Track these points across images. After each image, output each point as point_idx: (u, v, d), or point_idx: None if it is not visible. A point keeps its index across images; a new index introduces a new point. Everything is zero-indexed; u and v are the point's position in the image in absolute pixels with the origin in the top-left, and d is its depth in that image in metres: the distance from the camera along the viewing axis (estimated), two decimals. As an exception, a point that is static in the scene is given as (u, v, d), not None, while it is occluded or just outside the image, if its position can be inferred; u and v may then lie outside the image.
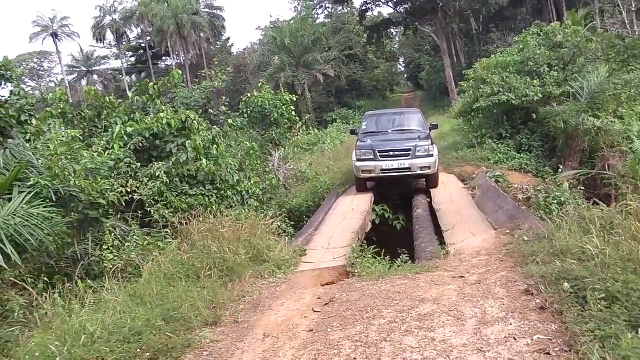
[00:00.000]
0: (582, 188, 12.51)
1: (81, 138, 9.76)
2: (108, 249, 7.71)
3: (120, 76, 69.26)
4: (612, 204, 7.53)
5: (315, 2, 52.88)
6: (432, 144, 13.28)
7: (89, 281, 6.87)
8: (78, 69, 69.20)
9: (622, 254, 5.08)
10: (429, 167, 12.90)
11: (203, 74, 32.35)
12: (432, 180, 13.46)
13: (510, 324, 4.71)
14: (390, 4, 47.64)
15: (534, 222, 8.23)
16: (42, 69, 73.71)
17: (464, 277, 6.31)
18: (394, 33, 65.33)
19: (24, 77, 54.42)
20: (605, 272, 4.85)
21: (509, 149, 16.19)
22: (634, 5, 32.83)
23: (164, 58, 69.82)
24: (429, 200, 12.44)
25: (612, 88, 14.39)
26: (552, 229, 6.79)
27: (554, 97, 15.91)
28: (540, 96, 15.88)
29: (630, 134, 14.44)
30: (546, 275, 5.36)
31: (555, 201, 10.97)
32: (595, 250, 5.34)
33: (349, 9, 56.03)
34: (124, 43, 67.87)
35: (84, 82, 68.17)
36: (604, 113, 14.46)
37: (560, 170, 14.11)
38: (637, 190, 8.06)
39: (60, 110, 11.01)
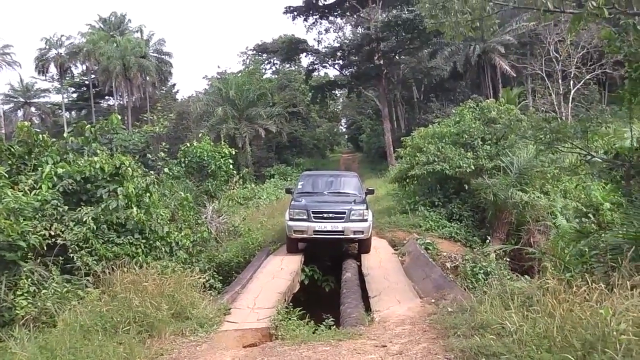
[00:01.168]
0: (508, 260, 12.92)
1: (6, 175, 9.42)
2: (22, 294, 7.37)
3: (60, 111, 67.48)
4: (534, 277, 7.75)
5: (264, 57, 53.67)
6: (367, 208, 13.28)
7: (-4, 328, 6.53)
8: (15, 99, 67.08)
9: (538, 330, 5.21)
10: (362, 232, 12.82)
11: (145, 118, 32.04)
12: (364, 245, 13.34)
13: (428, 399, 4.73)
14: (336, 66, 48.85)
15: (459, 292, 8.38)
16: (-24, 95, 71.31)
17: (386, 346, 6.31)
18: (338, 94, 66.72)
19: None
20: (521, 348, 4.96)
21: (440, 216, 16.57)
22: (561, 89, 34.89)
23: (107, 97, 68.71)
24: (358, 264, 12.44)
25: (540, 165, 15.09)
26: (474, 301, 6.92)
27: (486, 169, 16.54)
28: (473, 168, 16.48)
29: (555, 210, 15.10)
30: (465, 350, 5.44)
31: (482, 271, 11.23)
32: (513, 326, 5.45)
33: (296, 67, 57.08)
34: (67, 78, 66.51)
35: (20, 113, 66.12)
36: (532, 188, 15.14)
37: (488, 240, 14.55)
38: (556, 267, 8.34)
39: (-14, 143, 10.66)
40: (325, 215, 12.81)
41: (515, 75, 42.34)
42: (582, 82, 35.11)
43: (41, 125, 58.26)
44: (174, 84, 73.97)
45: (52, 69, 63.24)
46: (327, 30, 47.61)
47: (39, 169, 10.44)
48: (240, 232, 16.64)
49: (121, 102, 63.49)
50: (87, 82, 65.22)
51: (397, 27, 40.43)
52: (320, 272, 13.10)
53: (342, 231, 12.67)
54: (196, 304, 8.14)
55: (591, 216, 11.47)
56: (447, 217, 16.70)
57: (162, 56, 64.60)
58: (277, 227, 16.07)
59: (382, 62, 44.06)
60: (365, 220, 12.93)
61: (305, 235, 12.91)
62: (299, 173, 19.10)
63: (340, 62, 47.68)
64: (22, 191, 9.04)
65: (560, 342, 4.89)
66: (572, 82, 35.10)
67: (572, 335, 4.90)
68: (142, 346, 6.49)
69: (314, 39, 51.92)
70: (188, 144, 18.19)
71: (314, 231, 12.68)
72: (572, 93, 34.92)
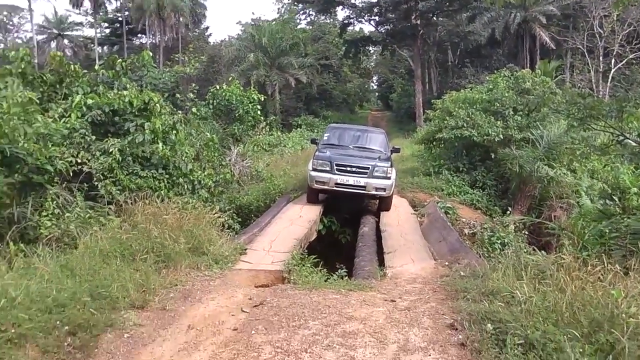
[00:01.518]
0: (527, 233, 12.85)
1: (38, 101, 9.52)
2: (47, 215, 7.57)
3: (92, 45, 67.57)
4: (551, 253, 7.72)
5: (300, 7, 52.95)
6: (391, 166, 13.14)
7: (21, 245, 6.73)
8: (49, 30, 67.25)
9: (547, 303, 5.19)
10: (384, 189, 12.74)
11: (176, 58, 32.03)
12: (385, 203, 13.28)
13: (429, 355, 4.80)
14: (372, 22, 48.19)
15: (474, 258, 8.39)
16: (10, 23, 71.52)
17: (395, 301, 6.38)
18: (372, 51, 65.96)
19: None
20: (528, 319, 4.95)
21: (463, 182, 16.52)
22: (601, 67, 33.98)
23: (139, 35, 68.53)
24: (377, 220, 12.52)
25: (570, 142, 14.84)
26: (487, 268, 6.94)
27: (514, 140, 16.34)
28: (501, 137, 16.27)
29: (580, 189, 14.89)
30: (473, 313, 5.45)
31: (499, 241, 11.23)
32: (523, 296, 5.44)
33: (331, 19, 56.34)
34: (101, 13, 66.42)
35: (53, 44, 66.38)
36: (559, 164, 14.90)
37: (509, 212, 14.47)
38: (574, 245, 8.30)
39: (20, 70, 10.73)
40: (348, 168, 12.70)
41: (554, 47, 41.14)
42: (624, 61, 34.10)
43: (73, 58, 58.31)
44: (207, 27, 73.62)
45: (87, 3, 62.90)
46: (366, -16, 46.54)
47: (69, 98, 10.54)
48: (262, 177, 16.81)
49: (153, 41, 63.33)
50: (120, 19, 65.09)
51: (438, -14, 39.61)
52: (339, 223, 13.22)
53: (364, 186, 12.59)
54: (213, 241, 8.29)
55: (616, 199, 11.30)
56: (470, 183, 16.64)
57: (197, -2, 64.08)
58: (299, 176, 16.16)
59: (419, 22, 43.34)
60: (388, 178, 12.82)
61: (326, 187, 12.86)
62: (326, 125, 19.04)
63: (377, 18, 47.00)
64: (52, 118, 9.16)
65: (567, 318, 4.89)
66: (613, 60, 34.15)
67: (581, 312, 4.90)
68: (158, 275, 6.67)
69: (352, -8, 50.92)
70: (217, 87, 18.20)
71: (336, 183, 12.64)
72: (612, 72, 34.02)
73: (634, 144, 9.44)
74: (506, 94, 17.54)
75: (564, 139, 14.92)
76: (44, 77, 11.14)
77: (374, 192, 12.79)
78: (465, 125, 16.71)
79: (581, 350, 4.34)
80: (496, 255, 8.40)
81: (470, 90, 19.71)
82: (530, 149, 15.25)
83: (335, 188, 12.76)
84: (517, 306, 5.35)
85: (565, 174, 14.61)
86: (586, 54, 35.50)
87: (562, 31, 41.21)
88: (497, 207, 15.41)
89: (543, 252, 7.31)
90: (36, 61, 51.84)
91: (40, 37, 65.86)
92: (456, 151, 17.94)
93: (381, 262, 9.05)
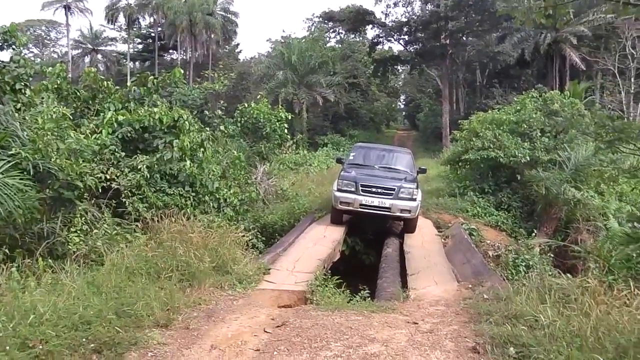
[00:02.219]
0: (552, 255, 12.69)
1: (71, 117, 9.77)
2: (76, 231, 7.72)
3: (124, 60, 69.10)
4: (576, 276, 7.64)
5: (330, 25, 53.36)
6: (417, 187, 12.98)
7: (50, 260, 6.85)
8: (84, 45, 68.88)
9: (571, 328, 5.15)
10: (409, 211, 12.54)
11: (206, 74, 32.45)
12: (409, 225, 13.05)
13: (451, 379, 4.79)
14: (401, 41, 48.33)
15: (497, 281, 8.31)
16: (48, 37, 73.68)
17: (417, 323, 6.35)
18: (400, 70, 66.20)
19: (28, 44, 54.20)
20: (552, 343, 4.93)
21: (488, 204, 16.39)
22: (632, 88, 33.57)
23: (170, 51, 69.84)
24: (400, 241, 12.44)
25: (598, 164, 14.69)
26: (511, 291, 6.88)
27: (541, 162, 16.22)
28: (528, 159, 16.18)
29: (607, 211, 14.71)
30: (495, 337, 5.42)
31: (524, 264, 11.10)
32: (547, 320, 5.41)
33: (360, 38, 56.61)
34: (134, 29, 67.94)
35: (87, 58, 67.91)
36: (586, 186, 14.76)
37: (534, 234, 14.33)
38: (600, 268, 8.20)
39: (56, 86, 11.01)
40: (373, 189, 12.54)
41: (585, 68, 40.73)
42: (656, 82, 33.66)
43: (106, 72, 59.58)
44: (238, 44, 74.41)
45: (121, 19, 64.70)
46: (395, 4, 46.64)
47: (101, 114, 10.80)
48: (287, 196, 16.87)
49: (184, 57, 64.45)
50: (153, 35, 66.45)
51: (468, 7, 39.70)
52: (362, 244, 13.18)
53: (389, 208, 12.42)
54: (237, 260, 8.35)
55: (645, 222, 11.15)
56: (496, 205, 16.49)
57: (229, 15, 65.10)
58: (324, 195, 16.19)
59: (448, 41, 43.38)
60: (414, 200, 12.65)
61: (350, 208, 12.67)
62: (352, 144, 19.08)
63: (406, 37, 47.13)
64: (83, 134, 9.36)
65: (592, 343, 4.83)
66: (645, 81, 33.71)
67: (606, 337, 4.84)
68: (182, 293, 6.73)
69: (382, 12, 51.11)
70: (246, 105, 18.40)
71: (360, 204, 12.47)
72: (643, 93, 33.57)
73: (663, 166, 9.32)
74: (534, 115, 17.46)
75: (591, 161, 14.81)
76: (78, 93, 11.44)
77: (398, 214, 12.61)
78: (491, 146, 16.64)
79: (606, 376, 4.29)
80: (520, 278, 8.33)
81: (498, 111, 19.64)
82: (557, 170, 15.13)
83: (359, 209, 12.59)
84: (540, 330, 5.31)
85: (593, 197, 14.47)
86: (617, 75, 35.11)
87: (593, 52, 40.81)
88: (522, 229, 15.28)
89: (568, 275, 7.24)
90: (70, 75, 53.05)
91: (75, 52, 67.50)
92: (482, 172, 17.84)
93: (404, 284, 9.01)
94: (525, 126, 17.20)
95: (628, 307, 5.25)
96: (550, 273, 8.50)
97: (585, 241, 13.96)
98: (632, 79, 34.72)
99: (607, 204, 14.93)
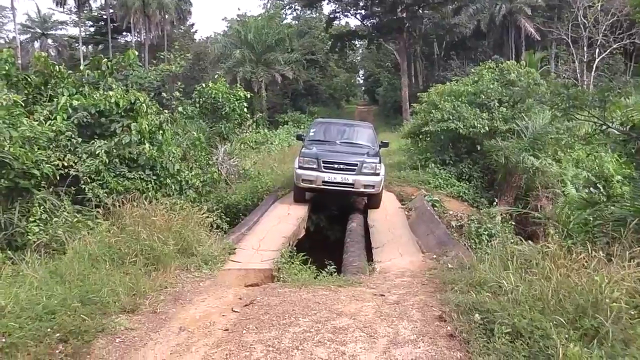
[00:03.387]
0: (513, 223, 12.92)
1: (23, 104, 9.49)
2: (35, 221, 7.55)
3: (76, 44, 67.09)
4: (537, 242, 7.83)
5: (285, 2, 52.94)
6: (380, 162, 12.84)
7: (9, 252, 6.71)
8: (32, 30, 66.63)
9: (533, 292, 5.29)
10: (373, 186, 12.41)
11: (162, 56, 31.90)
12: (374, 201, 12.99)
13: (419, 347, 4.87)
14: (357, 16, 48.27)
15: (461, 250, 8.45)
16: (-8, 23, 71.02)
17: (384, 295, 6.45)
18: (358, 45, 66.08)
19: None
20: (515, 308, 5.05)
21: (450, 175, 16.54)
22: (585, 57, 34.27)
23: (124, 33, 68.09)
24: (364, 215, 12.53)
25: (554, 132, 14.97)
26: (474, 260, 7.02)
27: (500, 132, 16.44)
28: (487, 129, 16.34)
29: (565, 178, 15.06)
30: (461, 304, 5.54)
31: (486, 232, 11.28)
32: (510, 285, 5.54)
33: (317, 14, 56.31)
34: (85, 11, 65.98)
35: (37, 44, 65.84)
36: (544, 154, 15.01)
37: (495, 203, 14.56)
38: (559, 233, 8.41)
39: (4, 72, 10.65)
40: (336, 165, 12.35)
41: (539, 38, 41.49)
42: (608, 50, 34.45)
43: (58, 57, 57.91)
44: (193, 24, 73.39)
45: (70, 1, 62.56)
46: (351, -22, 46.61)
47: (55, 100, 10.48)
48: (250, 175, 16.78)
49: (138, 39, 63.00)
50: (105, 17, 64.62)
51: (423, -21, 39.67)
52: (326, 220, 13.22)
53: (352, 184, 12.26)
54: (202, 242, 8.32)
55: (600, 187, 11.45)
56: (457, 176, 16.67)
57: (183, -6, 63.78)
58: (287, 173, 16.14)
59: (404, 15, 43.47)
60: (377, 174, 12.52)
61: (313, 185, 12.50)
62: (312, 121, 19.00)
63: (363, 12, 47.05)
64: (37, 121, 9.11)
65: (553, 305, 4.99)
66: (597, 50, 34.48)
67: (566, 299, 5.01)
68: (148, 278, 6.67)
69: (337, -14, 50.99)
70: (203, 85, 18.14)
71: (323, 181, 12.28)
72: (596, 61, 34.36)
73: (617, 132, 9.55)
74: (491, 86, 17.61)
75: (548, 129, 15.02)
76: (29, 79, 11.04)
77: (362, 190, 12.47)
78: (451, 118, 16.73)
79: (567, 336, 4.44)
80: (483, 247, 8.52)
81: (456, 82, 19.78)
82: (515, 140, 15.35)
83: (322, 186, 12.44)
84: (504, 296, 5.45)
85: (551, 164, 14.73)
86: (570, 44, 35.76)
87: (547, 22, 41.55)
88: (483, 199, 15.48)
89: (529, 241, 7.41)
90: (19, 62, 51.46)
91: (23, 37, 65.20)
92: (442, 144, 17.96)
93: (370, 257, 9.14)
94: (484, 97, 17.35)
95: (586, 269, 5.42)
96: (512, 240, 8.68)
97: (545, 208, 14.29)
98: (585, 48, 35.42)
99: (565, 171, 15.26)
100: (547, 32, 39.93)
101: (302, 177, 12.50)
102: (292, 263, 8.27)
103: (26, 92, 10.75)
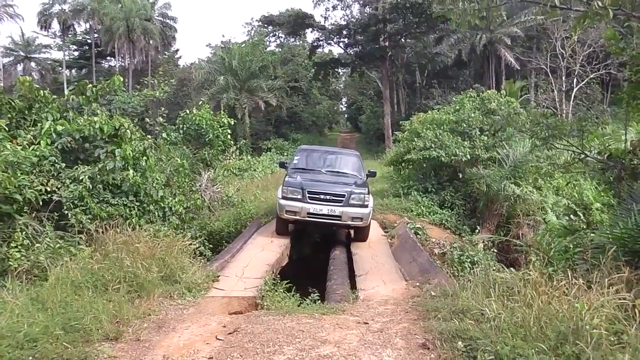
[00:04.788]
0: (495, 250, 13.07)
1: (6, 128, 9.46)
2: (16, 247, 7.48)
3: (60, 68, 67.17)
4: (519, 269, 7.91)
5: (269, 30, 53.39)
6: (368, 192, 12.27)
7: (-11, 278, 6.64)
8: (15, 53, 66.58)
9: (515, 319, 5.34)
10: (361, 219, 11.81)
11: (146, 81, 31.94)
12: (361, 234, 12.38)
13: (403, 376, 4.89)
14: (341, 44, 48.78)
15: (444, 278, 8.51)
16: (-26, 45, 70.69)
17: (368, 323, 6.45)
18: (341, 73, 66.76)
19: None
20: (497, 335, 5.10)
21: (432, 203, 16.66)
22: (564, 86, 34.94)
23: (108, 58, 68.37)
24: (348, 242, 12.53)
25: (534, 160, 15.20)
26: (457, 287, 7.07)
27: (481, 160, 16.66)
28: (469, 157, 16.55)
29: (546, 205, 15.27)
30: (444, 332, 5.57)
31: (469, 260, 11.36)
32: (492, 313, 5.58)
33: (301, 42, 56.83)
34: (69, 35, 66.08)
35: (20, 67, 65.73)
36: (525, 182, 15.25)
37: (477, 230, 14.70)
38: (540, 261, 8.51)
39: (-14, 96, 10.63)
40: (322, 196, 11.76)
41: (519, 68, 42.24)
42: (585, 80, 35.22)
43: (41, 81, 57.86)
44: (177, 50, 73.77)
45: (55, 25, 62.87)
46: (334, 7, 47.22)
47: (39, 124, 10.46)
48: (233, 202, 16.75)
49: (122, 64, 63.22)
50: (89, 41, 64.91)
51: (405, 9, 40.38)
52: (310, 248, 13.20)
53: (340, 216, 11.68)
54: (186, 269, 8.29)
55: (580, 214, 11.66)
56: (439, 203, 16.80)
57: (167, 20, 64.42)
58: (269, 201, 16.16)
59: (387, 44, 44.09)
60: (366, 206, 11.93)
61: (297, 217, 11.88)
62: (296, 148, 18.92)
63: (346, 40, 47.59)
64: (20, 145, 9.08)
65: (535, 332, 5.05)
66: (575, 79, 35.24)
67: (548, 326, 5.06)
68: (131, 305, 6.63)
69: (321, 15, 51.96)
70: (187, 111, 18.15)
71: (308, 213, 11.69)
72: (574, 91, 35.07)
73: (595, 161, 9.74)
74: (472, 115, 17.87)
75: (529, 157, 15.28)
76: (12, 103, 11.01)
77: (349, 222, 11.90)
78: (433, 146, 16.92)
79: (549, 362, 4.47)
80: (466, 274, 8.59)
81: (438, 111, 20.04)
82: (497, 168, 15.55)
83: (307, 218, 11.82)
84: (486, 323, 5.48)
85: (531, 192, 14.96)
86: (549, 73, 36.47)
87: (526, 52, 42.32)
88: (465, 226, 15.61)
89: (512, 269, 7.48)
90: (1, 84, 51.20)
91: (6, 60, 65.09)
92: (424, 172, 18.13)
93: (353, 285, 9.11)
94: (465, 125, 17.60)
95: (567, 296, 5.49)
96: (494, 268, 8.77)
97: (526, 235, 14.47)
98: (563, 78, 36.14)
99: (545, 199, 15.49)
100: (527, 62, 40.71)
101: (285, 208, 11.89)
102: (276, 291, 8.26)
103: (9, 116, 10.71)
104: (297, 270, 11.62)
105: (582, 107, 33.87)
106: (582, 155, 9.46)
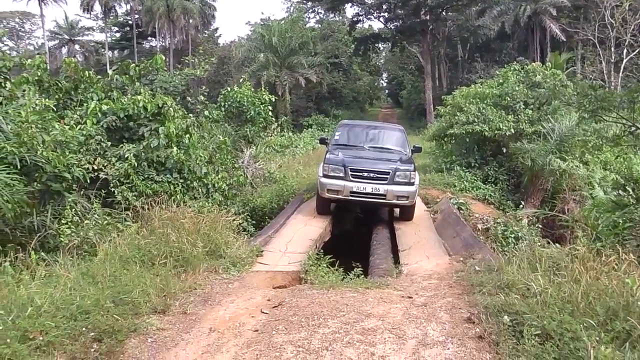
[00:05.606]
0: (540, 226, 12.85)
1: (54, 109, 9.66)
2: (66, 223, 7.65)
3: (103, 50, 68.23)
4: (565, 245, 7.76)
5: (308, 6, 53.07)
6: (414, 169, 11.60)
7: (42, 253, 6.82)
8: (60, 36, 68.02)
9: (563, 294, 5.27)
10: (407, 197, 11.21)
11: (186, 60, 32.26)
12: (407, 213, 11.81)
13: (448, 349, 4.88)
14: (381, 19, 48.27)
15: (488, 253, 8.43)
16: (22, 30, 72.46)
17: (412, 297, 6.45)
18: (381, 48, 66.26)
19: (3, 37, 53.38)
20: (544, 310, 5.04)
21: (475, 178, 16.48)
22: (613, 57, 33.76)
23: (149, 38, 69.03)
24: (391, 217, 12.47)
25: (582, 134, 14.81)
26: (502, 262, 6.99)
27: (526, 134, 16.32)
28: (513, 132, 16.26)
29: (593, 180, 14.86)
30: (489, 306, 5.52)
31: (513, 235, 11.22)
32: (538, 288, 5.51)
33: (340, 17, 56.40)
34: (111, 17, 66.95)
35: (64, 50, 67.11)
36: (571, 157, 14.87)
37: (521, 206, 14.46)
38: (587, 236, 8.34)
39: (37, 78, 10.85)
40: (365, 174, 11.16)
41: (565, 40, 40.96)
42: (636, 51, 33.87)
43: (84, 63, 58.99)
44: (217, 28, 73.97)
45: (97, 8, 63.48)
46: (374, -19, 46.63)
47: (85, 104, 10.66)
48: (275, 178, 16.87)
49: (163, 44, 63.77)
50: (130, 22, 65.67)
51: (447, -19, 39.53)
52: (352, 223, 13.20)
53: (384, 195, 11.06)
54: (230, 244, 8.41)
55: (630, 189, 11.26)
56: (483, 179, 16.62)
57: (206, -1, 64.42)
58: (311, 177, 16.19)
59: (428, 17, 43.39)
60: (412, 184, 11.31)
61: (339, 196, 11.35)
62: (336, 124, 18.75)
63: (386, 14, 47.05)
64: (68, 125, 9.26)
65: (583, 308, 4.98)
66: (625, 50, 33.93)
67: (596, 301, 4.99)
68: (177, 279, 6.77)
69: (360, -11, 51.08)
70: (228, 89, 18.26)
71: (351, 192, 11.13)
72: (624, 62, 33.82)
73: (646, 134, 9.42)
74: (517, 88, 17.51)
75: (575, 131, 14.90)
76: (60, 84, 11.26)
77: (395, 201, 11.33)
78: (476, 120, 16.69)
79: (597, 338, 4.42)
80: (510, 249, 8.46)
81: (481, 85, 19.72)
82: (541, 142, 15.21)
83: (350, 197, 11.28)
84: (532, 298, 5.42)
85: (578, 166, 14.57)
86: (597, 45, 35.25)
87: (573, 22, 40.98)
88: (509, 202, 15.42)
89: (557, 244, 7.35)
90: (48, 67, 52.31)
91: (51, 43, 66.54)
92: (467, 147, 17.92)
93: (396, 260, 9.10)
94: (509, 99, 17.25)
95: (616, 272, 5.39)
96: (539, 243, 8.62)
97: (572, 210, 14.16)
98: (612, 48, 34.93)
99: (592, 173, 15.02)
100: (573, 33, 39.44)
101: (327, 187, 11.36)
102: (319, 265, 8.32)
103: (57, 97, 10.95)
104: (340, 246, 11.66)
105: (633, 78, 32.78)
106: (633, 128, 9.14)
